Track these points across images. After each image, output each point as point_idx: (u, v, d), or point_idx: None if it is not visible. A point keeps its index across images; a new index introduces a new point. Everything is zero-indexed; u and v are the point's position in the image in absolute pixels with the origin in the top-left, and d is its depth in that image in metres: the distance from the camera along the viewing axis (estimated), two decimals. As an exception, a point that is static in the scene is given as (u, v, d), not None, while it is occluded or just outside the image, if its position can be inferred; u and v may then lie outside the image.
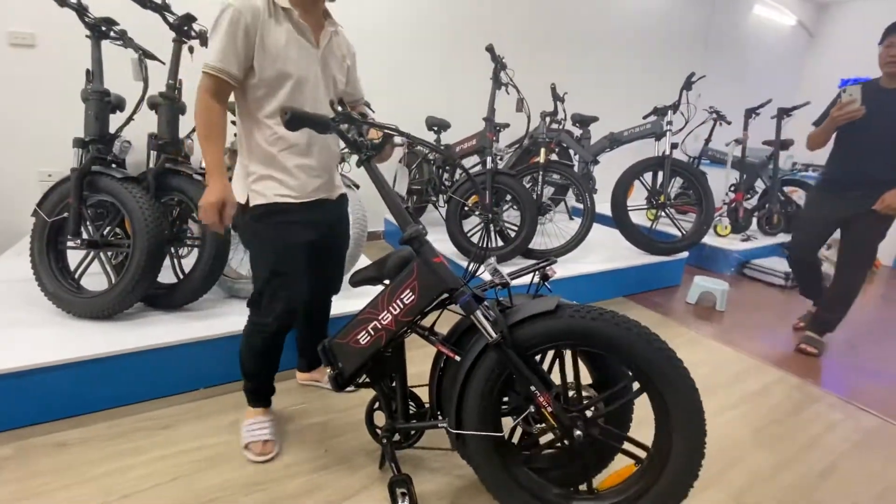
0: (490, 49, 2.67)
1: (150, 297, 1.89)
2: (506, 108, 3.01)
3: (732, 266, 3.80)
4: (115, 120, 1.92)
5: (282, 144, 1.28)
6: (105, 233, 1.85)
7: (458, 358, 1.20)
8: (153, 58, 1.99)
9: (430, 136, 3.49)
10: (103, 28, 1.85)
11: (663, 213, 3.30)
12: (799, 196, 4.45)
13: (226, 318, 1.87)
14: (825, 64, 6.74)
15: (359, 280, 1.38)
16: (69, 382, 1.56)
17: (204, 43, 2.03)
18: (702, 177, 3.36)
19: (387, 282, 1.27)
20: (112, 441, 1.49)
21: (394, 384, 1.35)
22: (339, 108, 1.10)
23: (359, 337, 1.25)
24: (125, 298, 1.75)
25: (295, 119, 1.08)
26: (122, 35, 1.90)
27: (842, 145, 2.29)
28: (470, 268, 1.22)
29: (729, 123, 4.32)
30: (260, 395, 1.53)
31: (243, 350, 1.45)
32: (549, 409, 1.07)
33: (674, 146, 3.26)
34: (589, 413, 1.12)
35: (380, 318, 1.21)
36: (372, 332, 1.23)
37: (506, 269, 1.20)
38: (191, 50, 2.01)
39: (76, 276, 1.88)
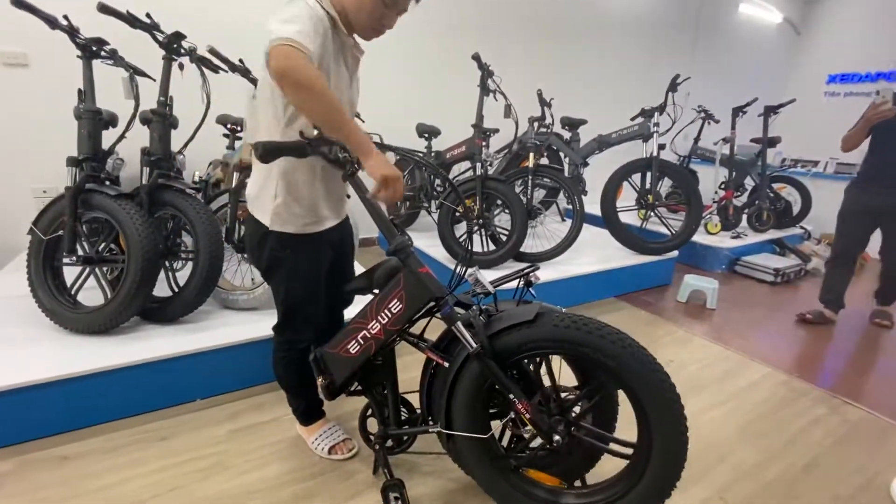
0: (476, 57, 2.72)
1: (145, 310, 1.92)
2: (495, 113, 3.05)
3: (723, 263, 3.85)
4: (109, 136, 1.96)
5: (307, 170, 1.24)
6: (100, 249, 1.88)
7: (446, 364, 1.24)
8: (144, 75, 2.02)
9: (420, 143, 3.54)
10: (94, 48, 1.88)
11: (652, 213, 3.35)
12: (788, 192, 4.51)
13: (221, 330, 1.90)
14: (812, 61, 6.81)
15: (350, 290, 1.42)
16: (68, 397, 1.59)
17: (194, 59, 2.07)
18: (689, 176, 3.42)
19: (377, 291, 1.31)
20: (111, 454, 1.52)
21: (385, 391, 1.39)
22: (315, 132, 1.12)
23: (349, 346, 1.28)
24: (121, 313, 1.78)
25: (268, 152, 1.05)
26: (112, 54, 1.93)
27: (875, 145, 2.60)
28: (455, 276, 1.26)
29: (717, 122, 4.39)
30: (313, 411, 1.58)
31: (284, 373, 1.47)
32: (528, 416, 1.11)
33: (661, 147, 3.31)
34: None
35: (369, 327, 1.25)
36: (361, 342, 1.26)
37: (493, 275, 1.24)
38: (181, 67, 2.05)
39: (72, 292, 1.91)
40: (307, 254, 1.32)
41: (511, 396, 1.11)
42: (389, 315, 1.22)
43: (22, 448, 1.52)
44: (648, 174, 3.31)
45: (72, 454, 1.51)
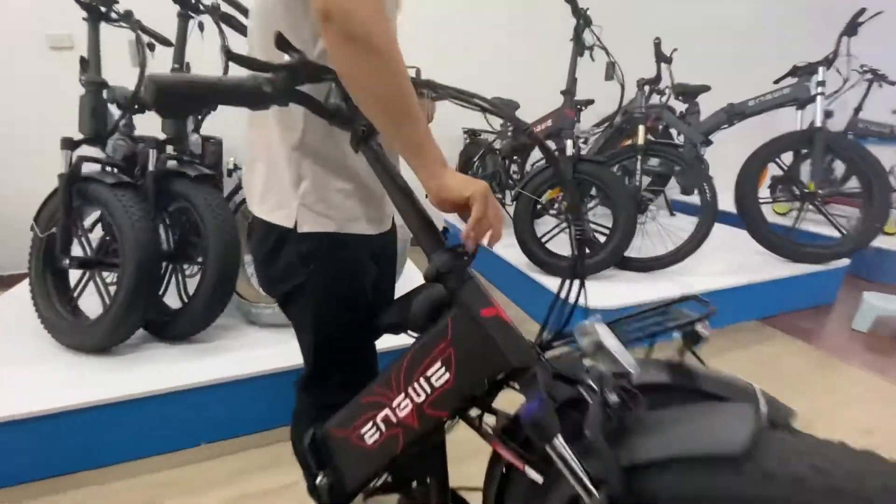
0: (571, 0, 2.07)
1: (155, 324, 1.58)
2: (590, 79, 2.38)
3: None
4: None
5: (342, 136, 0.73)
6: (102, 249, 1.57)
7: (532, 473, 0.66)
8: (165, 42, 1.68)
9: (496, 121, 2.95)
10: (102, 9, 1.56)
11: (812, 207, 2.47)
12: None
13: (236, 353, 1.53)
14: None
15: (380, 327, 0.90)
16: (44, 440, 1.27)
17: (216, 17, 1.69)
18: (869, 157, 2.47)
19: (413, 333, 0.78)
20: None
21: (429, 490, 0.86)
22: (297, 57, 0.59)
23: (363, 431, 0.76)
24: (118, 328, 1.44)
25: (165, 93, 0.55)
26: (125, 16, 1.60)
27: None
28: (552, 314, 0.69)
29: (893, 84, 3.30)
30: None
31: (300, 443, 0.91)
32: None
33: (827, 115, 2.42)
34: None
35: (394, 405, 0.71)
36: (382, 427, 0.73)
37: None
38: (201, 27, 1.68)
39: (73, 299, 1.62)
40: (343, 267, 0.81)
41: None
42: (428, 389, 0.67)
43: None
44: (805, 152, 2.44)
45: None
